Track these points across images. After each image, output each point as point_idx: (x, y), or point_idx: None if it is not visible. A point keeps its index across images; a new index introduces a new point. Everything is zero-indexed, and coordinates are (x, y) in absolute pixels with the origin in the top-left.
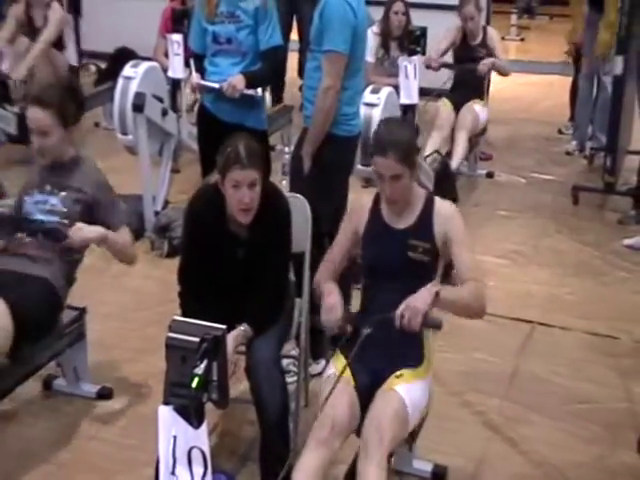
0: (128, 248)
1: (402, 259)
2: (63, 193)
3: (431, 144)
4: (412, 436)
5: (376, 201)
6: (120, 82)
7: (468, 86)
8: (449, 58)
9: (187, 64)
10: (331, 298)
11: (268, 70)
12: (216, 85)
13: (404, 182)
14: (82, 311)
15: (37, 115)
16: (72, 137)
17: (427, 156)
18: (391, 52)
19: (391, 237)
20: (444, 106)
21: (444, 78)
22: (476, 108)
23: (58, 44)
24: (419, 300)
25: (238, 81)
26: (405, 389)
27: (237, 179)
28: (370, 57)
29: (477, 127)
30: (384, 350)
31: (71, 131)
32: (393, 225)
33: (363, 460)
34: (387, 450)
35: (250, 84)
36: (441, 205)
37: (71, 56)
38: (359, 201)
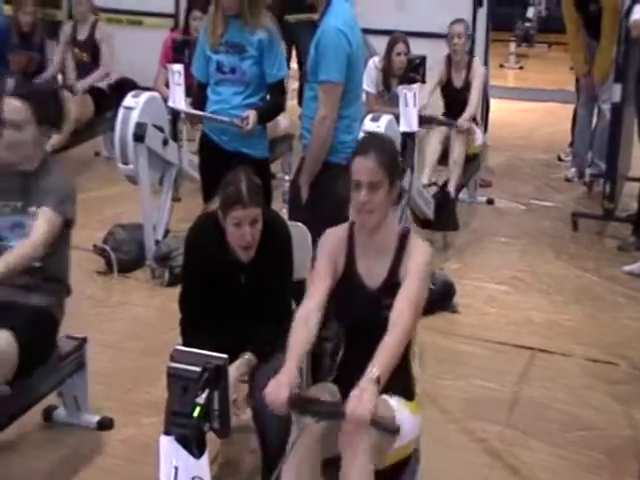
0: (25, 258)
1: (376, 319)
2: (33, 209)
3: (429, 155)
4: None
5: (350, 236)
6: (121, 112)
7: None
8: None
9: (188, 94)
10: (283, 374)
11: (276, 103)
12: (226, 119)
13: (381, 194)
14: (82, 341)
15: (14, 106)
16: (43, 144)
17: (426, 185)
18: (392, 88)
19: (365, 298)
20: (437, 133)
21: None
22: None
23: None
24: (363, 403)
25: (253, 118)
26: (394, 401)
27: (239, 217)
28: (370, 87)
29: (473, 140)
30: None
31: (45, 135)
32: (367, 282)
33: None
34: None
35: (262, 119)
36: (414, 245)
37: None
38: (334, 232)
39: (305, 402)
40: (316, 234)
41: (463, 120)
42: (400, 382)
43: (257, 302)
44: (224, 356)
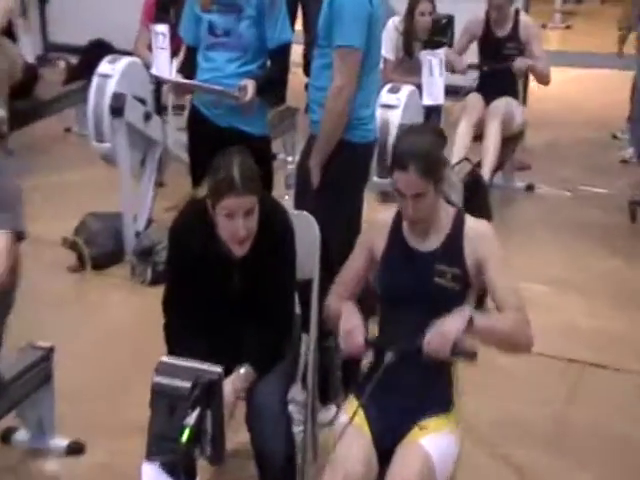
0: None
1: (427, 287)
2: None
3: (460, 138)
4: None
5: (397, 220)
6: (95, 81)
7: (498, 85)
8: (473, 54)
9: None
10: (351, 320)
11: (279, 72)
12: (219, 89)
13: (428, 200)
14: (49, 351)
15: None
16: None
17: (455, 164)
18: (415, 54)
19: (414, 261)
20: (473, 96)
21: (474, 74)
22: (510, 103)
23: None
24: (449, 324)
25: (251, 88)
26: (432, 442)
27: (231, 208)
28: (389, 54)
29: (511, 124)
30: (406, 393)
31: None
32: (417, 247)
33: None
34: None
35: (261, 90)
36: (473, 224)
37: (26, 50)
38: (377, 218)
39: (378, 340)
40: (328, 226)
41: (520, 61)
42: (438, 387)
43: (253, 305)
44: (218, 369)
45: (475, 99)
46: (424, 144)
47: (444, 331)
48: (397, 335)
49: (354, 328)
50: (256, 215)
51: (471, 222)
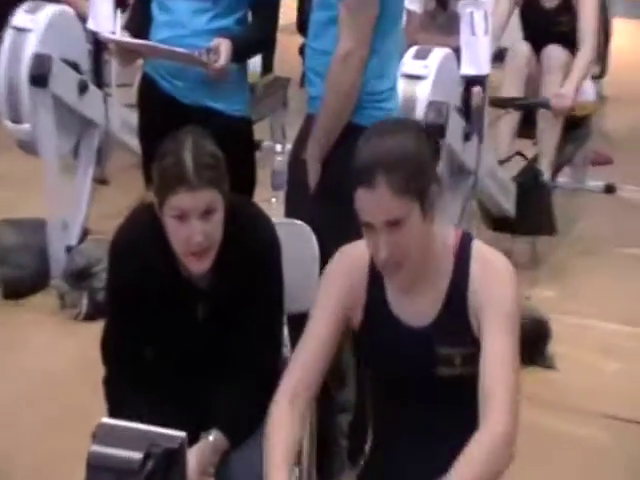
0: None
1: (428, 378)
2: None
3: (505, 122)
4: None
5: (374, 270)
6: (9, 37)
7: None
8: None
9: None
10: None
11: (265, 30)
12: (182, 51)
13: (411, 230)
14: None
15: None
16: None
17: (503, 161)
18: (450, 5)
19: (406, 341)
20: (519, 53)
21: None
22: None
23: None
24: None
25: (226, 50)
26: None
27: (182, 206)
28: (415, 4)
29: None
30: (424, 466)
31: None
32: (405, 319)
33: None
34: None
35: (240, 54)
36: (484, 264)
37: None
38: (347, 255)
39: None
40: (329, 240)
41: (566, 91)
42: None
43: (224, 349)
44: (180, 434)
45: (525, 50)
46: (400, 145)
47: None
48: (395, 441)
49: None
50: (219, 217)
51: (481, 259)
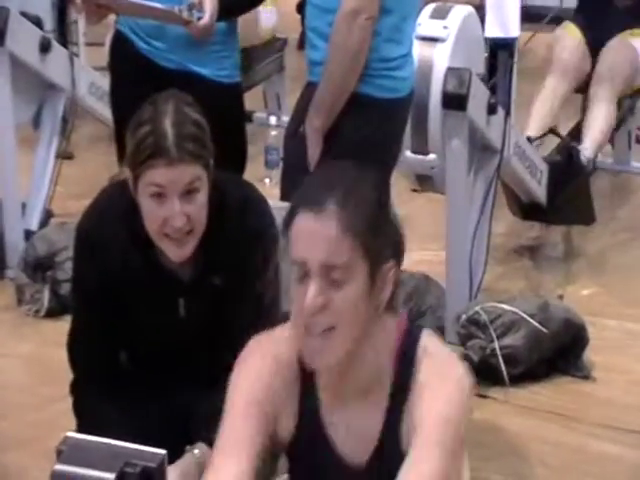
0: None
1: None
2: None
3: (544, 98)
4: None
5: (307, 378)
6: None
7: (613, 12)
8: None
9: None
10: None
11: None
12: (160, 6)
13: (352, 291)
14: None
15: None
16: None
17: (535, 138)
18: None
19: (343, 476)
20: (569, 33)
21: None
22: (635, 44)
23: None
24: None
25: (211, 6)
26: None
27: (160, 183)
28: None
29: (634, 78)
30: None
31: None
32: (346, 456)
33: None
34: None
35: (227, 11)
36: (427, 368)
37: None
38: (267, 349)
39: None
40: None
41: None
42: None
43: (210, 350)
44: (159, 451)
45: (571, 46)
46: (368, 191)
47: None
48: None
49: None
50: (203, 197)
51: (426, 364)
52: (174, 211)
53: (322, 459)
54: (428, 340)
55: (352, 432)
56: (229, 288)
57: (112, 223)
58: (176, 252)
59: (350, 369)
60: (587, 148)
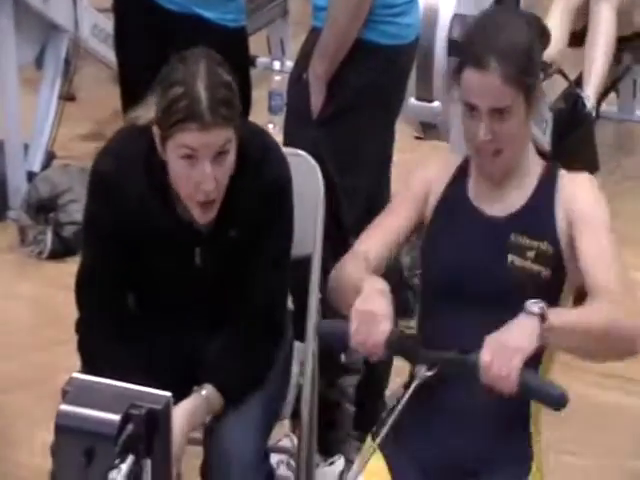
0: None
1: (498, 269)
2: None
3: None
4: None
5: (462, 168)
6: None
7: None
8: None
9: None
10: (374, 300)
11: None
12: None
13: (514, 122)
14: None
15: None
16: None
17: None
18: None
19: (480, 230)
20: None
21: None
22: None
23: None
24: (515, 337)
25: None
26: None
27: (193, 146)
28: None
29: (632, 16)
30: (453, 435)
31: None
32: (485, 209)
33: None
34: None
35: None
36: (569, 180)
37: None
38: (433, 163)
39: (411, 343)
40: (336, 173)
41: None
42: (513, 441)
43: (224, 299)
44: (165, 394)
45: None
46: (515, 36)
47: (507, 349)
48: (444, 342)
49: (378, 311)
50: (232, 158)
51: (567, 177)
52: (205, 174)
53: (463, 217)
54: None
55: (499, 200)
56: (245, 240)
57: (129, 167)
58: (202, 216)
59: (509, 164)
60: (590, 96)
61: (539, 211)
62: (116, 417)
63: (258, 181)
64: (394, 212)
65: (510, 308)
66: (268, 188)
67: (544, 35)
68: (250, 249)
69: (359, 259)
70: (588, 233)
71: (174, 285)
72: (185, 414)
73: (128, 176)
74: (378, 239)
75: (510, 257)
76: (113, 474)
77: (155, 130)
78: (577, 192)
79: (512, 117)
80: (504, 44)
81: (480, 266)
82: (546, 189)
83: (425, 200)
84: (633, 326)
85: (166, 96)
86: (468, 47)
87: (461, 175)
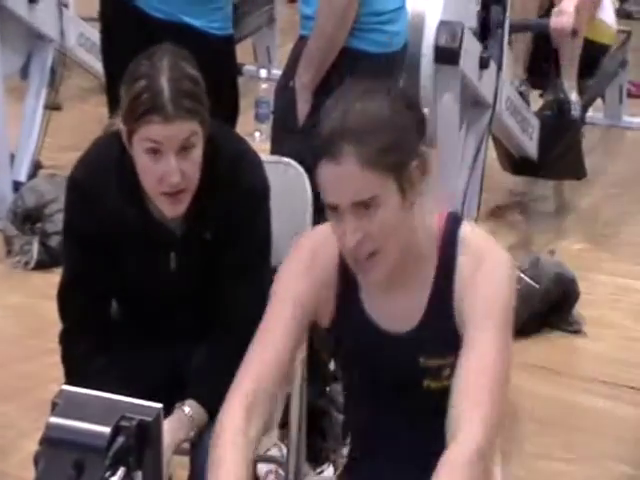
0: None
1: (418, 393)
2: None
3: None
4: None
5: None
6: None
7: None
8: None
9: None
10: None
11: None
12: None
13: (384, 213)
14: None
15: None
16: None
17: (522, 89)
18: None
19: (386, 349)
20: None
21: None
22: None
23: None
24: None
25: None
26: None
27: (156, 139)
28: None
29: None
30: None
31: None
32: (381, 324)
33: None
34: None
35: None
36: (472, 259)
37: None
38: (310, 242)
39: None
40: None
41: (565, 6)
42: None
43: (201, 305)
44: (155, 405)
45: None
46: (373, 112)
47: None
48: (373, 451)
49: None
50: (199, 153)
51: (469, 256)
52: (170, 167)
53: (364, 334)
54: (468, 228)
55: (394, 310)
56: (220, 243)
57: (104, 174)
58: (171, 209)
59: (393, 265)
60: (574, 102)
61: (441, 319)
62: (106, 429)
63: (230, 185)
64: (277, 325)
65: (422, 417)
66: (240, 192)
67: (414, 108)
68: (224, 253)
69: (238, 411)
70: (473, 344)
71: (151, 290)
72: (169, 431)
73: (101, 182)
74: (257, 383)
75: (426, 382)
76: None
77: (122, 127)
78: (479, 276)
79: (383, 208)
80: (357, 122)
81: (393, 384)
82: (445, 283)
83: (313, 307)
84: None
85: (130, 91)
86: (317, 136)
87: (347, 270)
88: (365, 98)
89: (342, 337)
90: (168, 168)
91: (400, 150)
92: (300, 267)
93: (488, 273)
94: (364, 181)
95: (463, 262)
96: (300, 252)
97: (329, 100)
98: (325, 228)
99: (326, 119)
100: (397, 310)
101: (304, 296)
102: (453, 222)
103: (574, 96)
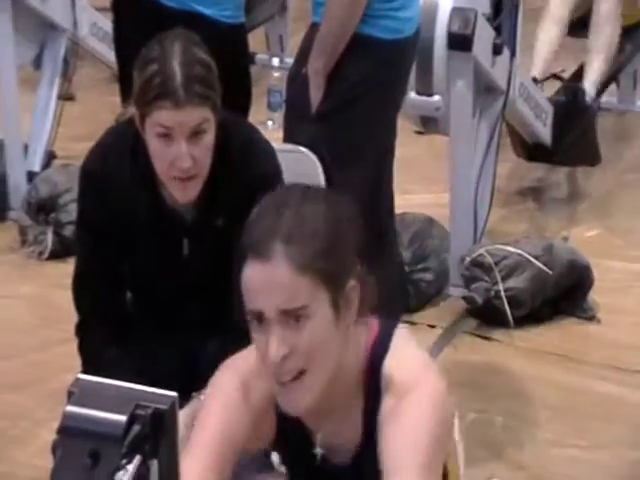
0: None
1: None
2: None
3: (542, 46)
4: None
5: None
6: None
7: None
8: None
9: None
10: None
11: None
12: None
13: (318, 328)
14: None
15: None
16: None
17: (540, 81)
18: None
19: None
20: None
21: None
22: None
23: None
24: None
25: None
26: None
27: (167, 124)
28: None
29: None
30: None
31: None
32: (330, 456)
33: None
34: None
35: None
36: (393, 390)
37: None
38: (240, 372)
39: None
40: (335, 170)
41: None
42: None
43: (214, 291)
44: (171, 393)
45: None
46: (309, 217)
47: None
48: None
49: None
50: (210, 139)
51: (393, 377)
52: (181, 152)
53: (306, 461)
54: (395, 357)
55: (333, 440)
56: (232, 230)
57: (116, 162)
58: (182, 194)
59: (321, 388)
60: (590, 87)
61: (374, 451)
62: (122, 418)
63: (241, 173)
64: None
65: None
66: (251, 180)
67: (354, 223)
68: (235, 239)
69: None
70: (400, 466)
71: (165, 280)
72: (185, 419)
73: (114, 170)
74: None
75: None
76: (119, 475)
77: (135, 110)
78: (398, 415)
79: (313, 320)
80: (291, 223)
81: None
82: (372, 422)
83: (248, 440)
84: None
85: (142, 75)
86: (248, 234)
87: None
88: (304, 201)
89: (284, 458)
90: (179, 153)
91: (335, 260)
92: (233, 404)
93: (410, 408)
94: (294, 287)
95: (386, 401)
96: (233, 388)
97: (264, 199)
98: (248, 354)
99: (259, 218)
100: (336, 438)
101: (244, 416)
102: (378, 353)
103: (590, 82)
